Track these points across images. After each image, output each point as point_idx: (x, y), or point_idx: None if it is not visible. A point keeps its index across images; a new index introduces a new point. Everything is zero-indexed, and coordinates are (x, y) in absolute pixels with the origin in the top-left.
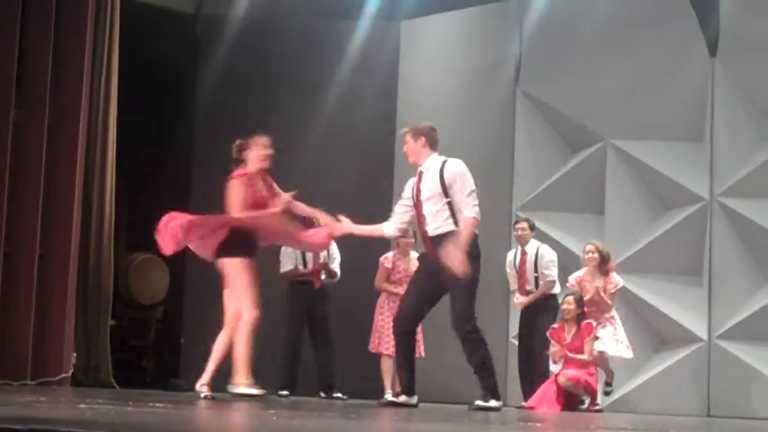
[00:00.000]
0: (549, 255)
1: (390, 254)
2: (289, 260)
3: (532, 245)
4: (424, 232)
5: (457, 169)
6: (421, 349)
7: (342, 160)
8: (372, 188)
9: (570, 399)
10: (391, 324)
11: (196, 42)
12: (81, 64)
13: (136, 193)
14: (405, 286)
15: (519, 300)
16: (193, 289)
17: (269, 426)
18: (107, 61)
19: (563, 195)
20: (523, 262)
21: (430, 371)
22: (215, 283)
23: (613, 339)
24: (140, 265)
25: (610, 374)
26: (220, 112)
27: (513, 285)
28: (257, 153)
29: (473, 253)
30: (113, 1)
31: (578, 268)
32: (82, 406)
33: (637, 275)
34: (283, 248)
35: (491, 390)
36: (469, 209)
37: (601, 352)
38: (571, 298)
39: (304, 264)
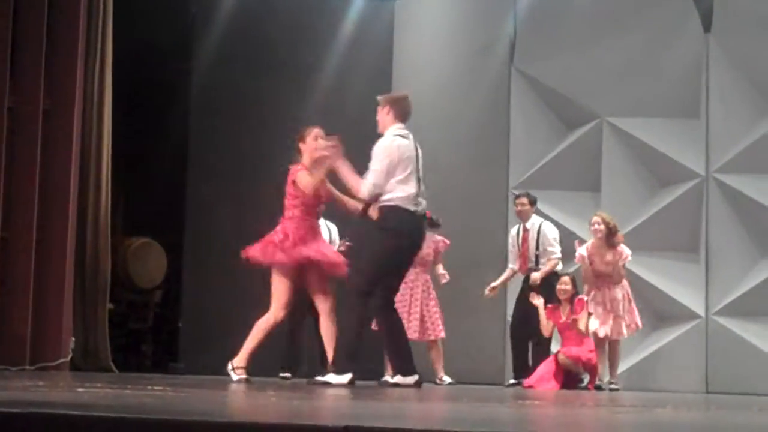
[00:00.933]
0: (551, 232)
1: None
2: None
3: (534, 221)
4: None
5: (378, 143)
6: (439, 331)
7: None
8: (366, 167)
9: (569, 377)
10: (401, 306)
11: (191, 24)
12: (75, 48)
13: (132, 177)
14: (418, 269)
15: (533, 276)
16: (191, 272)
17: (268, 407)
18: (101, 44)
19: (559, 173)
20: (525, 238)
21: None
22: (213, 266)
23: (635, 318)
24: (138, 248)
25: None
26: (216, 94)
27: (512, 263)
28: (311, 145)
29: (386, 226)
30: None
31: (574, 245)
32: (80, 389)
33: (633, 252)
34: None
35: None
36: (364, 182)
37: (617, 345)
38: (567, 278)
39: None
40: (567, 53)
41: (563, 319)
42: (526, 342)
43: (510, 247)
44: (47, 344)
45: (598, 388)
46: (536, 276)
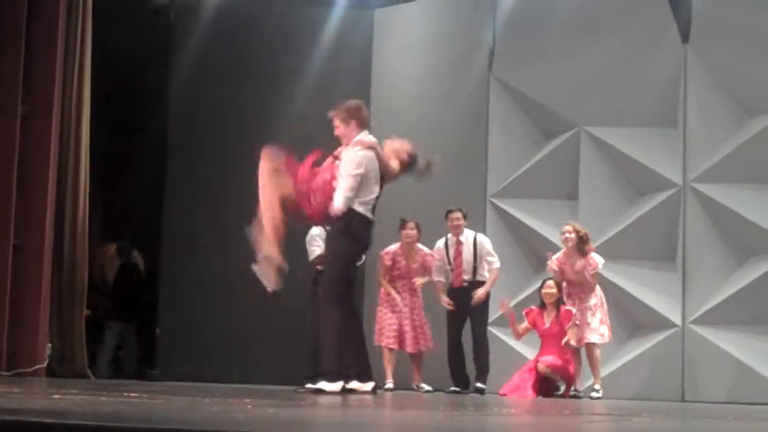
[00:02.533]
0: (488, 243)
1: (392, 248)
2: (318, 247)
3: (467, 234)
4: None
5: (348, 154)
6: (429, 342)
7: (315, 148)
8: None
9: (546, 385)
10: (390, 318)
11: (171, 31)
12: (54, 55)
13: (110, 183)
14: (404, 281)
15: (478, 294)
16: (168, 278)
17: (243, 414)
18: (80, 51)
19: (537, 181)
20: (459, 252)
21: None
22: (191, 273)
23: (601, 326)
24: (116, 255)
25: (598, 378)
26: (195, 101)
27: (438, 276)
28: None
29: (345, 231)
30: None
31: (552, 253)
32: (56, 396)
33: (611, 261)
34: (309, 235)
35: (327, 372)
36: (338, 192)
37: (595, 349)
38: (551, 282)
39: None
40: (545, 62)
41: (546, 324)
42: (462, 352)
43: (437, 262)
44: (24, 350)
45: (575, 396)
46: (480, 293)
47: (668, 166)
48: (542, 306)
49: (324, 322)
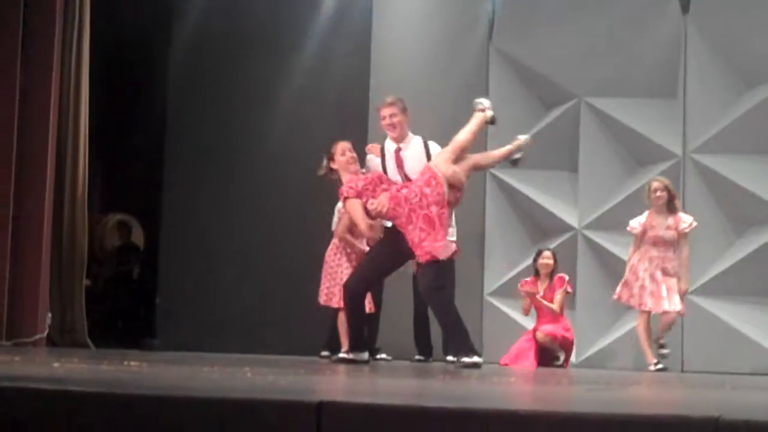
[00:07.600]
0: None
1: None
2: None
3: None
4: None
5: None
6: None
7: (315, 123)
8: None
9: (545, 355)
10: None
11: (169, 4)
12: (52, 27)
13: (109, 155)
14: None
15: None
16: (168, 249)
17: (243, 383)
18: (79, 21)
19: (537, 152)
20: None
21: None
22: (190, 243)
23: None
24: (115, 225)
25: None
26: (193, 74)
27: None
28: (341, 161)
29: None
30: None
31: (555, 226)
32: (56, 365)
33: (610, 232)
34: (339, 204)
35: (464, 347)
36: None
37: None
38: (548, 253)
39: None
40: (546, 32)
41: (540, 293)
42: (427, 321)
43: None
44: (24, 320)
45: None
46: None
47: (668, 137)
48: (536, 275)
49: (439, 311)
